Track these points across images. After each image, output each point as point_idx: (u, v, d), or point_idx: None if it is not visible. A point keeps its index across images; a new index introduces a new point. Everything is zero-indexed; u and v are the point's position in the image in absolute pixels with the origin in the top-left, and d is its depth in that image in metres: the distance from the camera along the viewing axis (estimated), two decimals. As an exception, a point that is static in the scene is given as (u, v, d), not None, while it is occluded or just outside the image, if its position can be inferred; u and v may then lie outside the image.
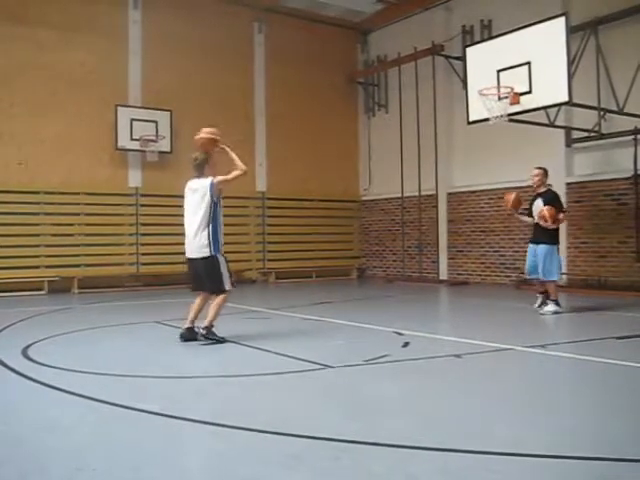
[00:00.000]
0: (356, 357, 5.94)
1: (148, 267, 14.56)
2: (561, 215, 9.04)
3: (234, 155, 6.96)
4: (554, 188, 13.13)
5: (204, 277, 6.87)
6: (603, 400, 4.53)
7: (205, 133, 6.97)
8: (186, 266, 7.18)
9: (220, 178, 6.83)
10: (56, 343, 7.04)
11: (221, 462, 3.39)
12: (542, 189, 9.29)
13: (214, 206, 6.80)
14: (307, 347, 6.65)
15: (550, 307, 8.97)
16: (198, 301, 7.02)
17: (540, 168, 9.33)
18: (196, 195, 6.83)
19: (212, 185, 6.76)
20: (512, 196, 9.53)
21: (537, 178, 9.27)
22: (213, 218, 6.79)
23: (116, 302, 11.64)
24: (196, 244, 6.78)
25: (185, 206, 6.99)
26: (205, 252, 6.75)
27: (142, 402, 4.39)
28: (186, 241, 6.94)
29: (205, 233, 6.74)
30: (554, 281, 9.07)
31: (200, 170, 6.91)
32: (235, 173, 6.85)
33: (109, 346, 6.95)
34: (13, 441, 3.71)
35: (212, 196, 6.77)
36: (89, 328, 8.09)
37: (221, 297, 6.85)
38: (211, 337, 6.74)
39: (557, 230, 9.12)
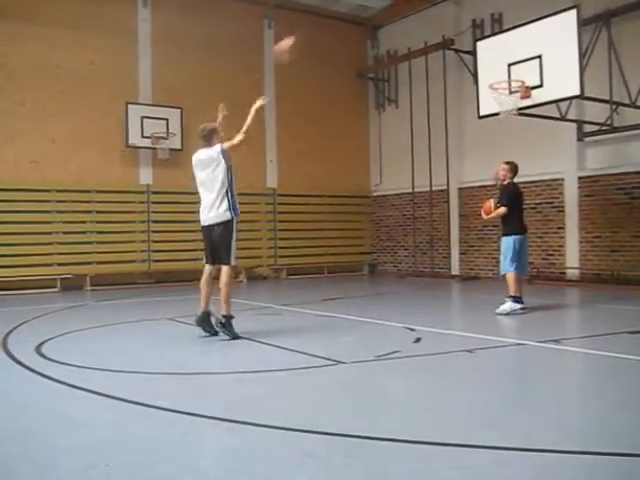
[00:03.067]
0: (368, 353, 5.93)
1: (160, 264, 14.60)
2: (501, 209, 8.67)
3: (250, 119, 7.07)
4: (566, 181, 13.12)
5: (217, 246, 6.92)
6: (616, 395, 4.49)
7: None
8: (202, 237, 7.20)
9: (227, 144, 6.93)
10: (69, 340, 7.07)
11: (235, 458, 3.39)
12: (505, 182, 8.93)
13: (229, 170, 6.92)
14: (319, 343, 6.65)
15: (506, 305, 8.38)
16: (204, 284, 7.05)
17: (507, 163, 8.94)
18: (209, 165, 6.93)
19: (223, 151, 6.88)
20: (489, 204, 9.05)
21: (502, 173, 8.91)
22: (230, 182, 6.92)
23: (128, 299, 11.68)
24: (217, 211, 6.89)
25: (197, 176, 7.09)
26: (226, 216, 6.87)
27: (156, 399, 4.40)
28: (203, 210, 7.02)
29: (225, 199, 6.88)
30: (514, 275, 8.48)
31: (208, 140, 7.04)
32: (238, 138, 6.90)
33: (122, 343, 6.98)
34: (26, 438, 3.73)
35: (226, 161, 6.90)
36: (102, 325, 8.13)
37: (226, 274, 6.86)
38: (229, 330, 6.76)
39: (515, 220, 8.69)
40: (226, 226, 6.89)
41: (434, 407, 4.26)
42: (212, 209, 6.93)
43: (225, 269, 6.90)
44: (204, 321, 6.95)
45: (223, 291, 6.83)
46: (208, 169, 6.95)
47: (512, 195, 8.79)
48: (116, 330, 7.89)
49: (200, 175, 7.06)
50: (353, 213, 17.52)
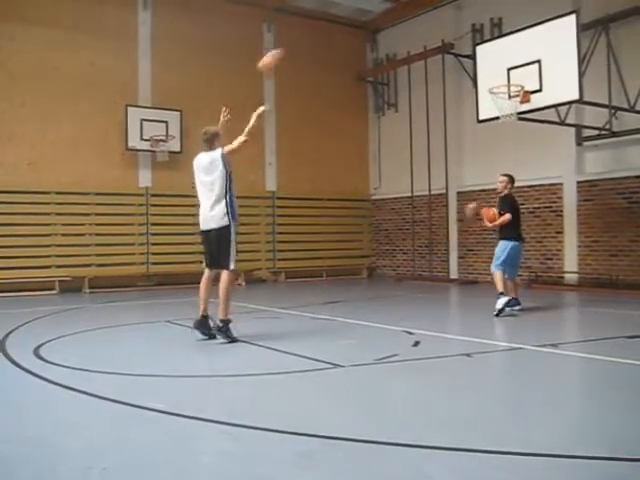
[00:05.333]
0: (367, 356, 5.94)
1: (158, 266, 14.60)
2: (506, 216, 9.02)
3: (252, 123, 6.99)
4: (565, 186, 13.15)
5: (215, 250, 6.93)
6: (613, 399, 4.50)
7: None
8: (201, 241, 7.27)
9: (227, 148, 6.92)
10: (67, 343, 7.07)
11: (233, 461, 3.39)
12: (504, 193, 9.33)
13: (228, 176, 6.90)
14: (318, 346, 6.64)
15: (499, 302, 8.67)
16: (203, 288, 7.03)
17: (506, 175, 9.33)
18: (209, 169, 6.93)
19: (223, 156, 6.88)
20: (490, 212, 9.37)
21: (502, 185, 9.31)
22: (229, 188, 6.91)
23: (127, 302, 11.68)
24: (214, 215, 6.88)
25: (197, 180, 7.08)
26: (224, 221, 6.85)
27: (154, 401, 4.40)
28: (202, 214, 7.03)
29: (223, 204, 6.86)
30: (499, 273, 8.93)
31: (211, 143, 7.02)
32: (240, 139, 6.89)
33: (120, 345, 6.98)
34: (25, 440, 3.72)
35: (225, 166, 6.88)
36: (100, 328, 8.12)
37: (225, 278, 6.85)
38: (226, 334, 6.76)
39: (513, 227, 9.09)
40: (224, 231, 6.87)
41: (432, 410, 4.26)
42: (210, 214, 6.93)
43: (224, 273, 6.89)
44: (202, 325, 6.96)
45: (221, 295, 6.83)
46: (208, 173, 6.95)
47: (513, 204, 9.23)
48: (114, 333, 7.88)
49: (200, 179, 7.05)
50: (352, 216, 17.53)
